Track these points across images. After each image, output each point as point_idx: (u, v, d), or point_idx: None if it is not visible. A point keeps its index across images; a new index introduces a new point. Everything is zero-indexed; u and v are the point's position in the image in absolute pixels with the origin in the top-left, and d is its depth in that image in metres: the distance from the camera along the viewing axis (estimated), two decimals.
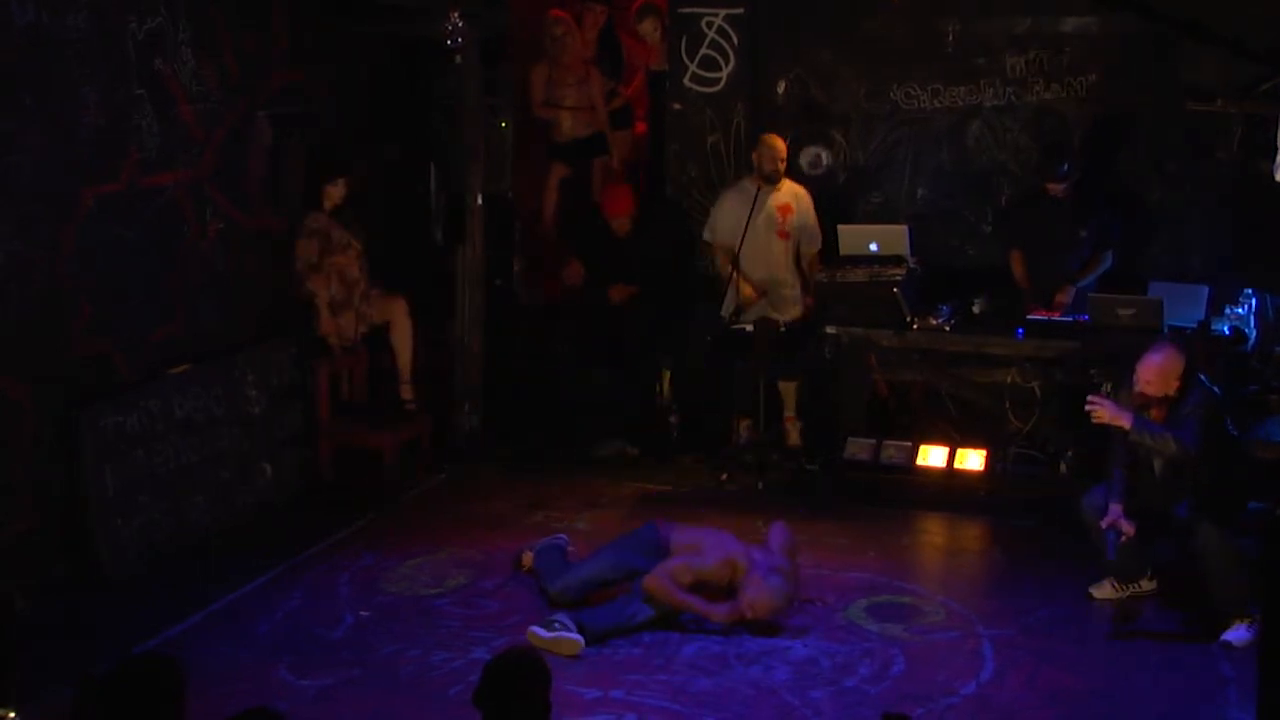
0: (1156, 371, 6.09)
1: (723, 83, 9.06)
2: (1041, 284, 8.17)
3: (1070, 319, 7.90)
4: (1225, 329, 7.64)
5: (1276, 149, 7.07)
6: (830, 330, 8.12)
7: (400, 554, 6.98)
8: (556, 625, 5.89)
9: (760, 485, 8.06)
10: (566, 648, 5.79)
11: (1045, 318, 7.92)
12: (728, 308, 8.26)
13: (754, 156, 8.41)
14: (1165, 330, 7.36)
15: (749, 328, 8.10)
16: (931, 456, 7.94)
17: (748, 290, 8.24)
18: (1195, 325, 7.59)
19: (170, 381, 7.07)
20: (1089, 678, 5.73)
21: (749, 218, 8.13)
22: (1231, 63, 8.03)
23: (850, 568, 6.86)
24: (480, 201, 8.71)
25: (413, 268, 9.01)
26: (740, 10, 8.98)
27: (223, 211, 7.58)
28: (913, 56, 8.82)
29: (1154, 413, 6.11)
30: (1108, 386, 6.45)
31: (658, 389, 8.92)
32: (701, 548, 6.17)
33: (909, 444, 7.99)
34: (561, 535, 6.84)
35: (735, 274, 8.20)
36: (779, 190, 8.36)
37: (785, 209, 8.37)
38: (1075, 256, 8.12)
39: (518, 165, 9.64)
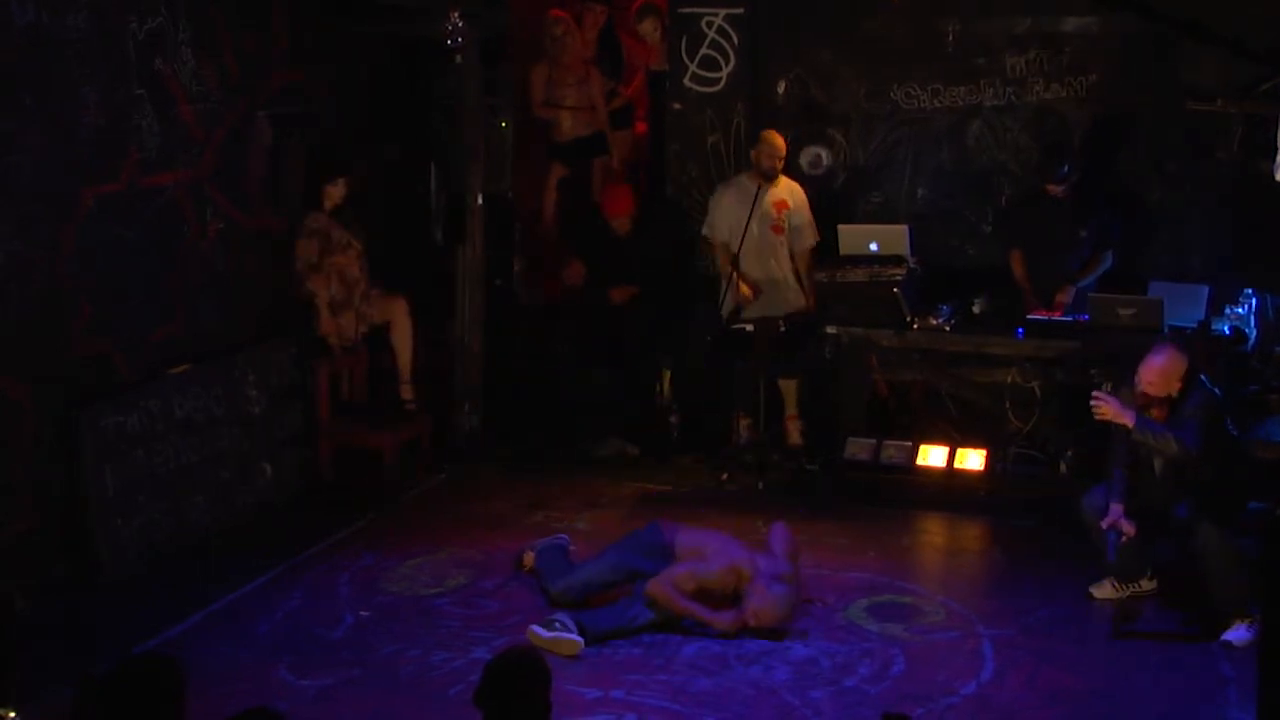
0: (1158, 373, 6.09)
1: (723, 83, 9.06)
2: (1041, 284, 8.17)
3: (1070, 319, 7.90)
4: (1225, 329, 7.64)
5: (1276, 149, 7.07)
6: (830, 330, 8.12)
7: (400, 554, 6.98)
8: (557, 625, 5.89)
9: (760, 485, 8.06)
10: (566, 648, 5.79)
11: (1045, 318, 7.92)
12: (727, 307, 8.25)
13: (753, 153, 8.41)
14: (1165, 330, 7.36)
15: (749, 327, 8.10)
16: (931, 456, 7.94)
17: (744, 289, 8.24)
18: (1195, 325, 7.59)
19: (170, 381, 7.07)
20: (1089, 678, 5.73)
21: (749, 217, 8.12)
22: (1231, 63, 8.03)
23: (850, 568, 6.86)
24: (480, 201, 8.72)
25: (413, 268, 9.01)
26: (740, 10, 8.98)
27: (223, 211, 7.58)
28: (913, 56, 8.82)
29: (1155, 413, 6.11)
30: (1107, 386, 6.44)
31: (658, 389, 8.93)
32: (706, 553, 6.15)
33: (909, 444, 7.99)
34: (563, 535, 6.84)
35: (734, 274, 8.19)
36: (776, 186, 8.36)
37: (781, 204, 8.38)
38: (1075, 256, 8.12)
39: (518, 165, 9.64)
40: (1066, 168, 8.02)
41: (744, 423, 8.43)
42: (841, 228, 8.39)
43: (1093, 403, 6.17)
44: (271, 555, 6.89)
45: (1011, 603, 6.47)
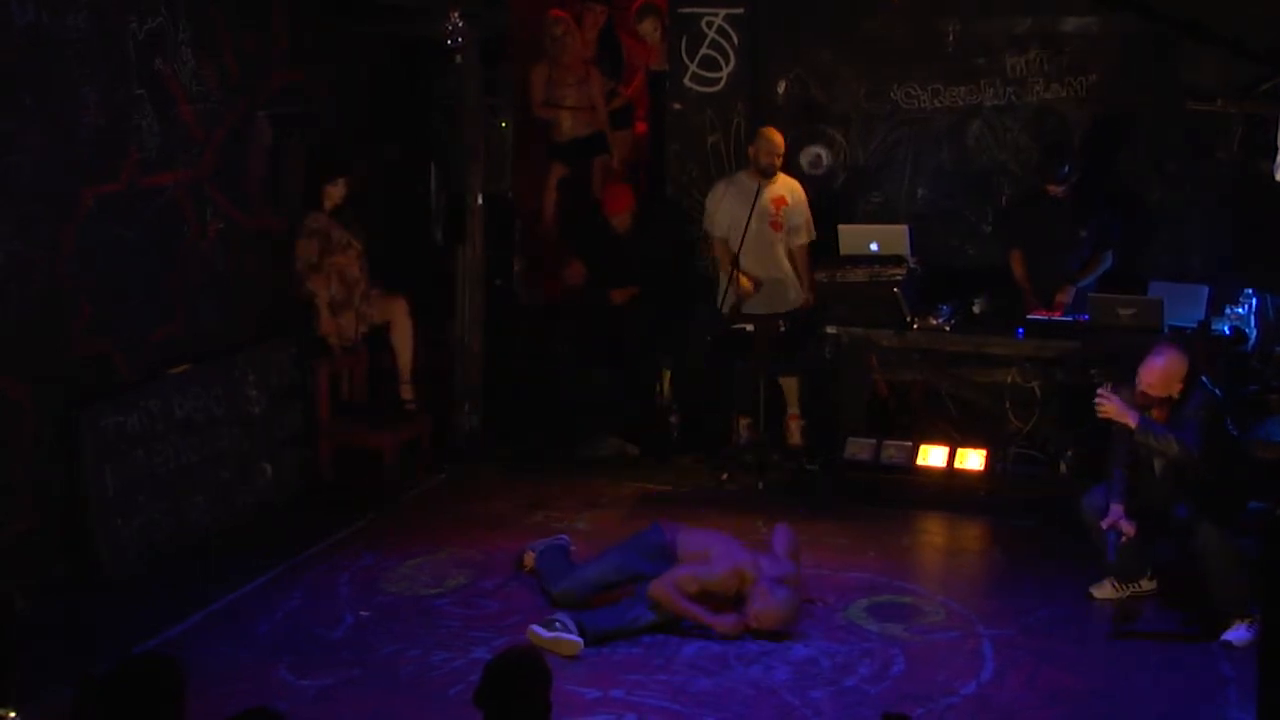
0: (1160, 374, 6.09)
1: (723, 83, 9.06)
2: (1041, 284, 8.17)
3: (1070, 319, 7.90)
4: (1225, 329, 7.64)
5: (1276, 149, 7.07)
6: (830, 330, 8.12)
7: (400, 554, 6.98)
8: (557, 625, 5.89)
9: (760, 485, 8.06)
10: (566, 648, 5.79)
11: (1045, 318, 7.92)
12: (728, 303, 8.24)
13: (750, 150, 8.42)
14: (1165, 330, 7.36)
15: (749, 327, 8.10)
16: (931, 456, 7.94)
17: (745, 282, 8.22)
18: (1195, 325, 7.59)
19: (170, 381, 7.07)
20: (1089, 678, 5.73)
21: (749, 216, 8.12)
22: (1231, 63, 8.03)
23: (850, 568, 6.85)
24: (480, 201, 8.72)
25: (413, 268, 9.01)
26: (740, 10, 8.98)
27: (223, 211, 7.58)
28: (913, 56, 8.82)
29: (1156, 413, 6.11)
30: (1108, 386, 6.44)
31: (658, 389, 8.93)
32: (709, 556, 6.13)
33: (909, 444, 7.99)
34: (563, 536, 6.84)
35: (734, 271, 8.18)
36: (774, 183, 8.36)
37: (779, 201, 8.38)
38: (1075, 256, 8.12)
39: (518, 165, 9.64)
40: (1066, 168, 8.02)
41: (744, 423, 8.43)
42: (841, 228, 8.39)
43: (1097, 400, 6.18)
44: (271, 555, 6.89)
45: (1011, 603, 6.47)
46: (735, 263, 8.20)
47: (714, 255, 8.65)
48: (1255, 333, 7.64)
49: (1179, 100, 8.13)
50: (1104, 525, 6.14)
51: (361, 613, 6.30)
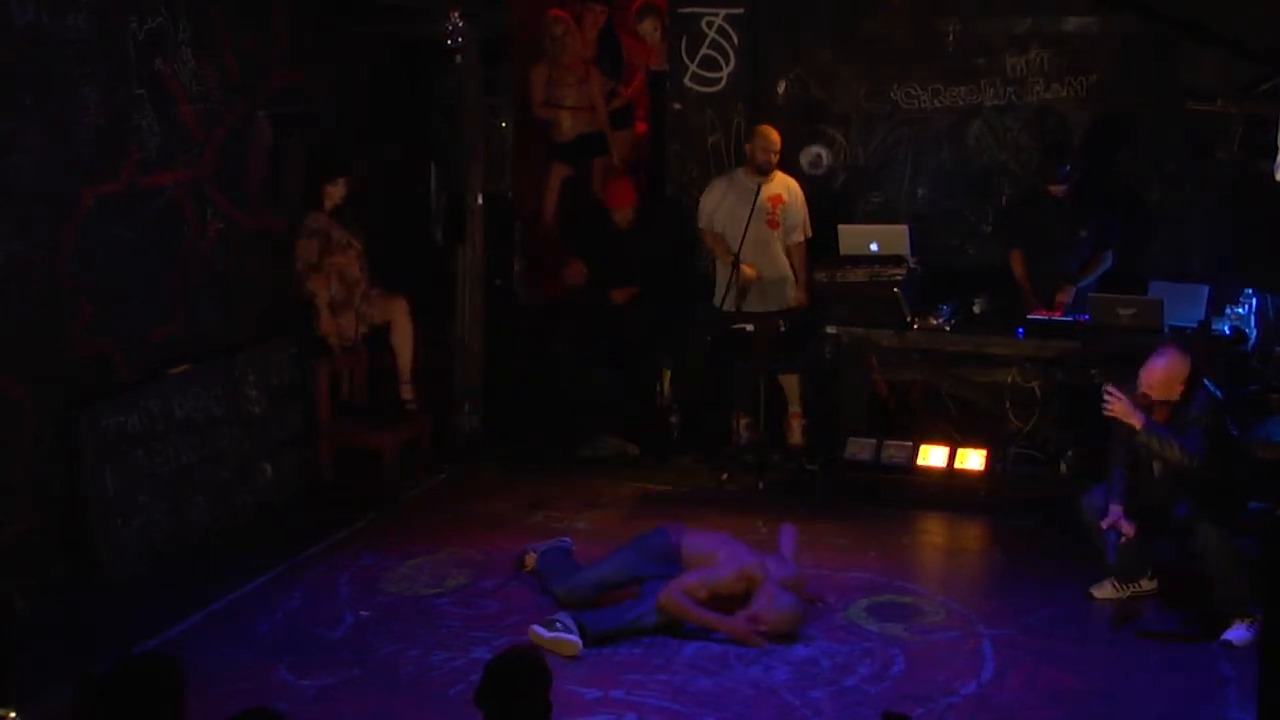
0: (1161, 376, 6.09)
1: (723, 82, 9.06)
2: (1041, 284, 8.17)
3: (1070, 319, 7.90)
4: (1225, 329, 7.64)
5: (1276, 149, 7.07)
6: (830, 330, 8.13)
7: (400, 554, 6.98)
8: (558, 625, 5.89)
9: (760, 485, 8.05)
10: (566, 649, 5.79)
11: (1045, 318, 7.92)
12: (729, 297, 8.22)
13: (747, 147, 8.42)
14: (1165, 330, 7.36)
15: (749, 327, 8.10)
16: (932, 456, 7.95)
17: (748, 269, 8.19)
18: (1195, 325, 7.59)
19: (170, 381, 7.07)
20: (1089, 678, 5.73)
21: (749, 216, 8.10)
22: (1231, 63, 8.03)
23: (850, 568, 6.85)
24: (480, 201, 8.72)
25: (413, 268, 9.01)
26: (740, 10, 8.98)
27: (223, 211, 7.58)
28: (913, 56, 8.82)
29: (1157, 414, 6.11)
30: (1108, 386, 6.44)
31: (658, 389, 8.92)
32: (716, 560, 6.11)
33: (909, 444, 8.00)
34: (565, 538, 6.83)
35: (734, 268, 8.15)
36: (771, 181, 8.35)
37: (776, 199, 8.38)
38: (1075, 256, 8.12)
39: (518, 165, 9.64)
40: (1067, 168, 8.03)
41: (744, 422, 8.43)
42: (841, 228, 8.39)
43: (1105, 398, 6.17)
44: (271, 555, 6.89)
45: (1011, 603, 6.47)
46: (735, 262, 8.18)
47: (710, 249, 8.61)
48: (1255, 333, 7.64)
49: (1179, 100, 8.13)
50: (1104, 525, 6.15)
51: (361, 613, 6.30)
